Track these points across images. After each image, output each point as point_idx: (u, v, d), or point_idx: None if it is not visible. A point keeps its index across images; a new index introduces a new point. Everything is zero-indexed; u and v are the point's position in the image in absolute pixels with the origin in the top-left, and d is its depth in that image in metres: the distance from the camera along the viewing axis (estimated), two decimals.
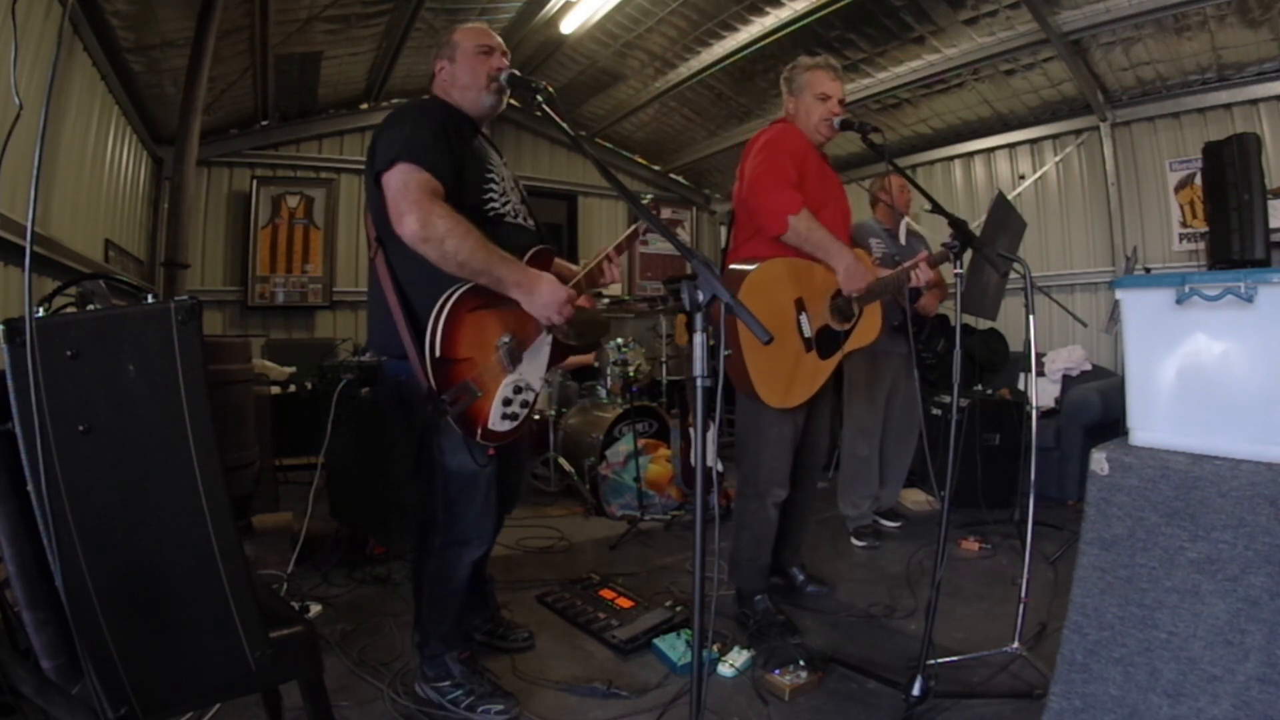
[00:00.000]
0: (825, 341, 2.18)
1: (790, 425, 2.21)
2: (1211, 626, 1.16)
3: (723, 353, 1.96)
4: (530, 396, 1.72)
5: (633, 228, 2.05)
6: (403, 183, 1.56)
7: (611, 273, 1.87)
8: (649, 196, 1.96)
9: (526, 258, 1.73)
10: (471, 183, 1.71)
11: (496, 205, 1.76)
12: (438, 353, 1.52)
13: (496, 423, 1.64)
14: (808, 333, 2.12)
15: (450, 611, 1.78)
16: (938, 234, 2.40)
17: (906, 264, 2.37)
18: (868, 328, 2.30)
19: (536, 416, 4.19)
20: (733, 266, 2.10)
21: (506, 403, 1.65)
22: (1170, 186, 4.13)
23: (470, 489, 1.71)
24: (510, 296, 1.63)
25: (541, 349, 1.77)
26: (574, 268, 1.93)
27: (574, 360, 4.51)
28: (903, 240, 3.26)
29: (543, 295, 1.63)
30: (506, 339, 1.66)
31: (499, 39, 1.84)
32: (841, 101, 2.28)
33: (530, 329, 1.71)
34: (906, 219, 3.30)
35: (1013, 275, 2.37)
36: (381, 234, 1.70)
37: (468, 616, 1.97)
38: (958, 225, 1.89)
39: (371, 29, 4.28)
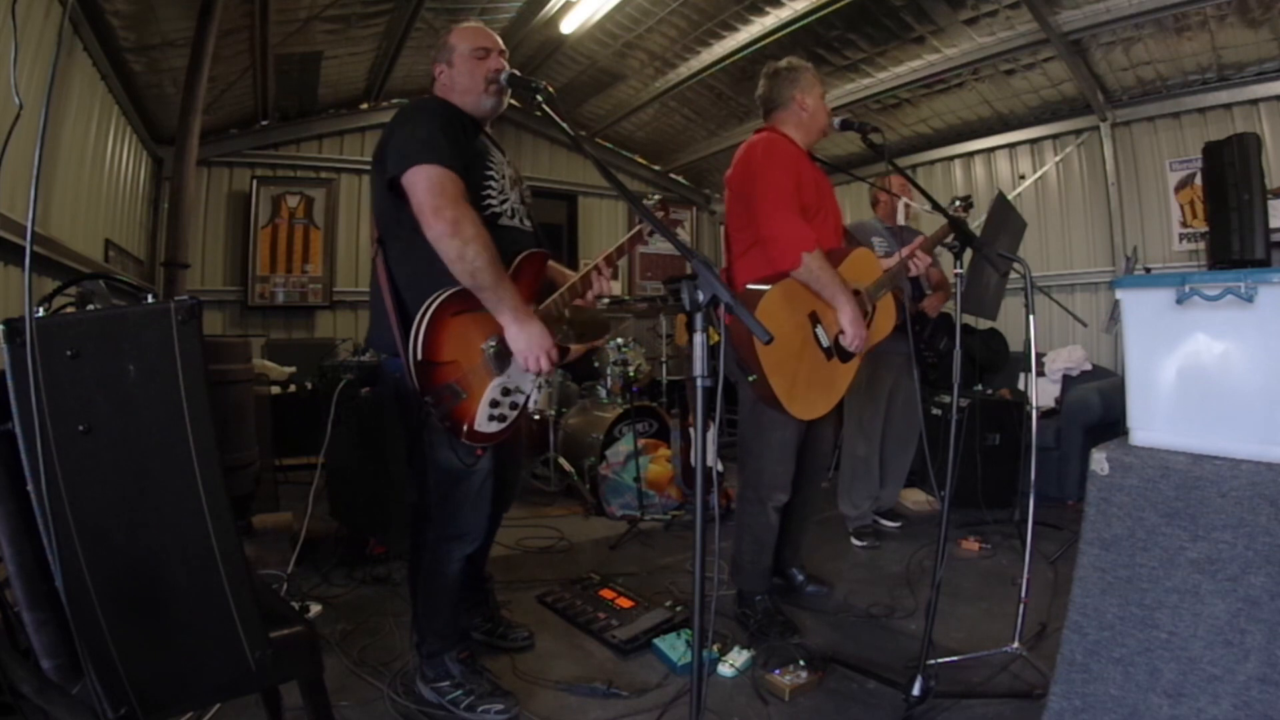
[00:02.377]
0: (843, 345, 2.20)
1: (794, 430, 2.21)
2: (1211, 626, 1.16)
3: (749, 379, 1.99)
4: (520, 399, 1.72)
5: (629, 234, 2.01)
6: (435, 181, 1.56)
7: (600, 284, 1.83)
8: (656, 197, 1.95)
9: (516, 262, 1.72)
10: (471, 181, 1.70)
11: (494, 205, 1.76)
12: (419, 355, 1.54)
13: (483, 424, 1.64)
14: (825, 342, 2.15)
15: (444, 607, 1.78)
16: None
17: (904, 250, 2.37)
18: (883, 322, 2.32)
19: (536, 416, 4.19)
20: (748, 287, 2.11)
21: (494, 404, 1.66)
22: (1170, 186, 4.13)
23: (462, 484, 1.71)
24: (498, 321, 1.62)
25: None
26: (569, 273, 1.91)
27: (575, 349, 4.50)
28: (901, 220, 3.25)
29: (530, 337, 1.61)
30: (493, 342, 1.65)
31: (497, 38, 1.83)
32: None
33: None
34: (904, 200, 3.26)
35: (1013, 275, 2.37)
36: (383, 234, 1.70)
37: (466, 615, 1.97)
38: (957, 225, 1.90)
39: (371, 29, 4.28)
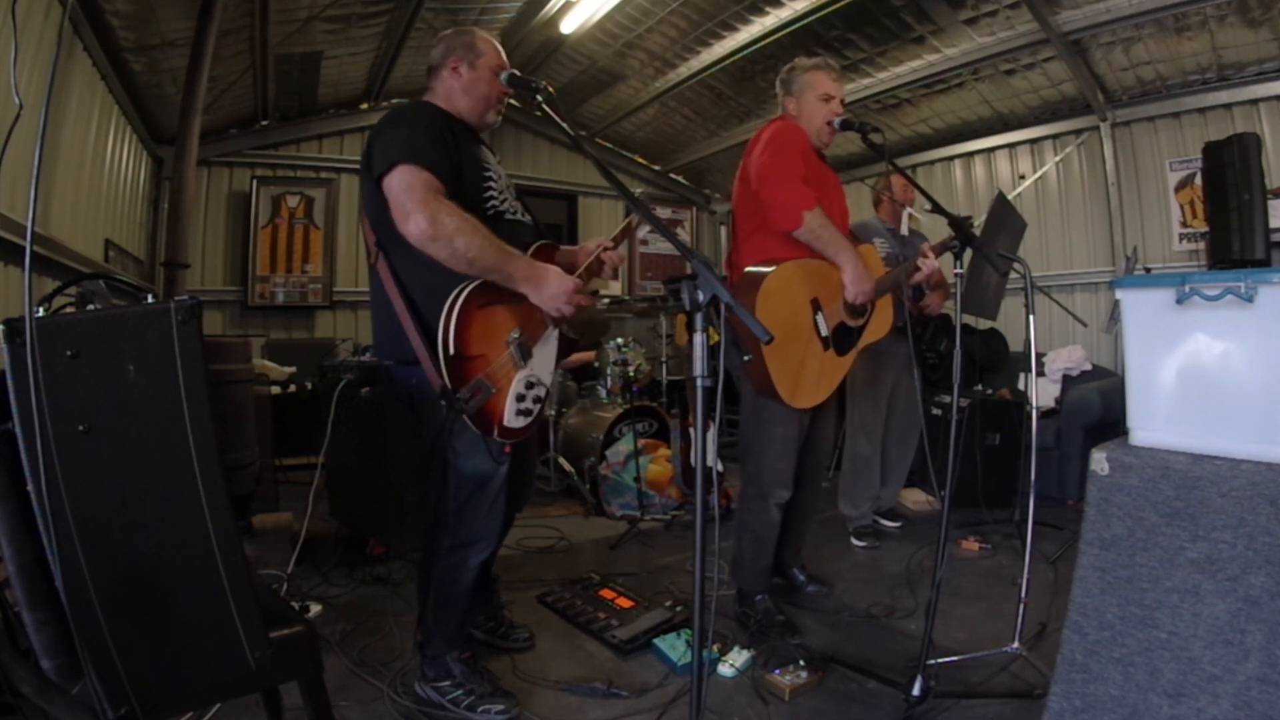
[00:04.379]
0: (841, 338, 2.20)
1: (795, 425, 2.21)
2: (1211, 626, 1.16)
3: (744, 359, 1.99)
4: (542, 392, 1.73)
5: (626, 221, 2.07)
6: (406, 183, 1.55)
7: (613, 259, 1.89)
8: (637, 192, 1.98)
9: (530, 253, 1.74)
10: (471, 181, 1.71)
11: (496, 203, 1.77)
12: (451, 350, 1.52)
13: (512, 419, 1.64)
14: (824, 331, 2.14)
15: (455, 612, 1.79)
16: (939, 235, 2.40)
17: (916, 260, 2.37)
18: (880, 322, 2.32)
19: None
20: (749, 269, 2.11)
21: (520, 398, 1.66)
22: (1170, 186, 4.13)
23: (482, 491, 1.71)
24: (518, 291, 1.64)
25: (549, 343, 1.78)
26: (574, 250, 1.95)
27: (577, 357, 4.52)
28: (904, 230, 3.26)
29: (551, 287, 1.65)
30: (516, 334, 1.66)
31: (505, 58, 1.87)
32: (842, 101, 2.28)
33: (538, 323, 1.72)
34: (909, 209, 3.28)
35: (1013, 275, 2.37)
36: (382, 238, 1.70)
37: (470, 615, 1.97)
38: (958, 225, 1.90)
39: (371, 29, 4.28)
